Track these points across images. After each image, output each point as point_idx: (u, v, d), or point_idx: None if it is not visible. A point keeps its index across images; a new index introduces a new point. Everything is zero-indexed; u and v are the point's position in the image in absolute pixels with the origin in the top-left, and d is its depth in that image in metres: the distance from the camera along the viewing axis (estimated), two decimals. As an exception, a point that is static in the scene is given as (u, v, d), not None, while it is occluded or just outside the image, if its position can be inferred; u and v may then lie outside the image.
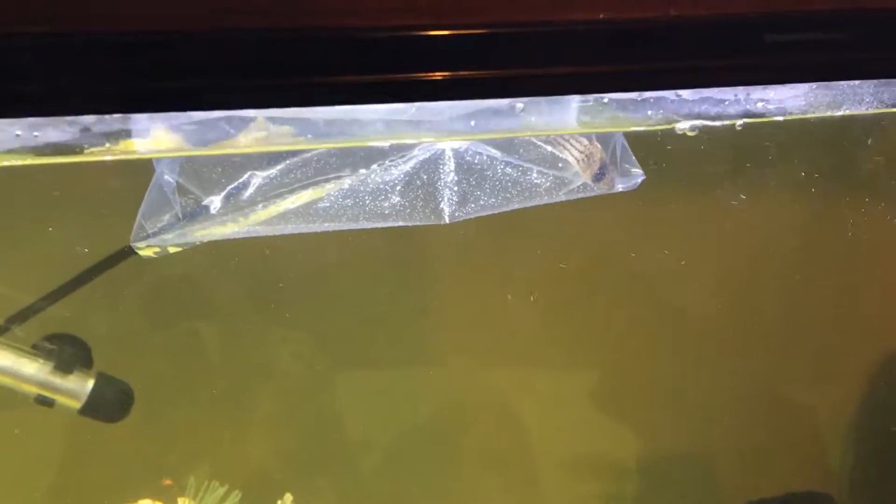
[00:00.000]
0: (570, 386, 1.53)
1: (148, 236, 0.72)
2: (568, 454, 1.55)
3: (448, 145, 0.69)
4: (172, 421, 1.41)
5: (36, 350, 1.12)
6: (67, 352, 1.15)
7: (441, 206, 0.70)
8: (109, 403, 1.16)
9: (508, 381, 1.53)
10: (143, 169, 0.76)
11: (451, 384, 1.55)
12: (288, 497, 1.19)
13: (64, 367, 1.11)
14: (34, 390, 1.11)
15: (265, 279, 1.40)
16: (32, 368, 1.11)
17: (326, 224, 0.71)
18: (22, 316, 1.16)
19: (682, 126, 0.63)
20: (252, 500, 1.40)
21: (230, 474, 1.43)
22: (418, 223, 0.71)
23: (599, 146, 0.70)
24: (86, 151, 0.58)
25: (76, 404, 1.13)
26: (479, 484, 1.56)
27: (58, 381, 1.12)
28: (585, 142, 0.69)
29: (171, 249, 0.75)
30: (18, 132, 0.53)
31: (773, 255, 1.44)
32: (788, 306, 1.48)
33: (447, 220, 0.70)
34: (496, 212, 0.71)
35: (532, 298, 1.41)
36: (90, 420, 1.17)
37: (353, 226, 0.70)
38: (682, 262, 1.40)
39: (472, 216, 0.71)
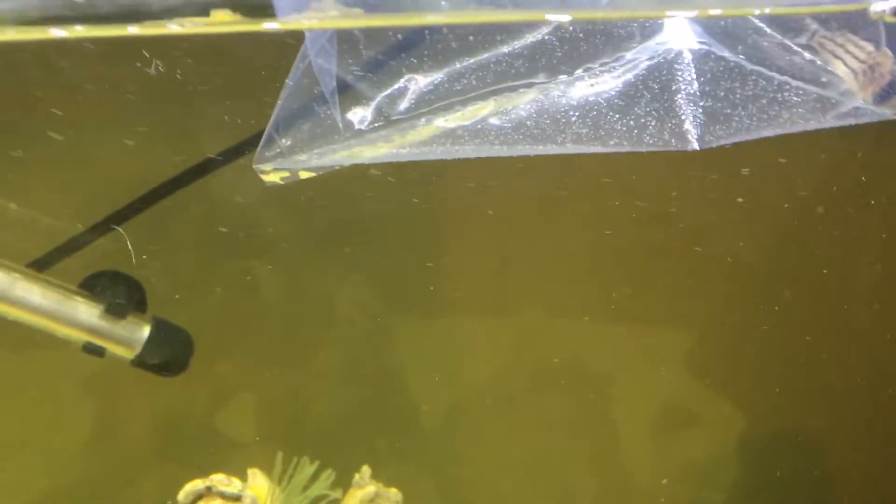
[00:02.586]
0: (664, 346, 1.37)
1: (278, 156, 0.55)
2: (656, 422, 1.40)
3: (686, 45, 0.52)
4: (226, 375, 1.26)
5: (83, 290, 0.94)
6: (120, 293, 0.97)
7: (685, 128, 0.53)
8: (167, 355, 1.00)
9: (591, 337, 1.38)
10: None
11: (527, 339, 1.40)
12: (366, 470, 1.04)
13: (116, 311, 0.94)
14: (82, 336, 0.95)
15: (326, 213, 1.23)
16: (80, 311, 0.94)
17: (518, 147, 0.54)
18: (68, 249, 0.99)
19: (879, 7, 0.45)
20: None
21: (285, 434, 1.30)
22: (654, 149, 0.54)
23: (891, 54, 0.53)
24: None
25: (129, 354, 0.97)
26: (551, 448, 1.42)
27: (109, 326, 0.95)
28: (870, 48, 0.52)
29: (303, 174, 0.58)
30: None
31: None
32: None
33: (696, 146, 0.53)
34: (753, 137, 0.54)
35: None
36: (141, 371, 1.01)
37: (553, 150, 0.53)
38: (819, 209, 1.23)
39: (726, 142, 0.54)
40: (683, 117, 0.53)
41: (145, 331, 0.97)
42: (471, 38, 0.50)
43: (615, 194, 1.25)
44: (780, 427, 1.39)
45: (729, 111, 0.54)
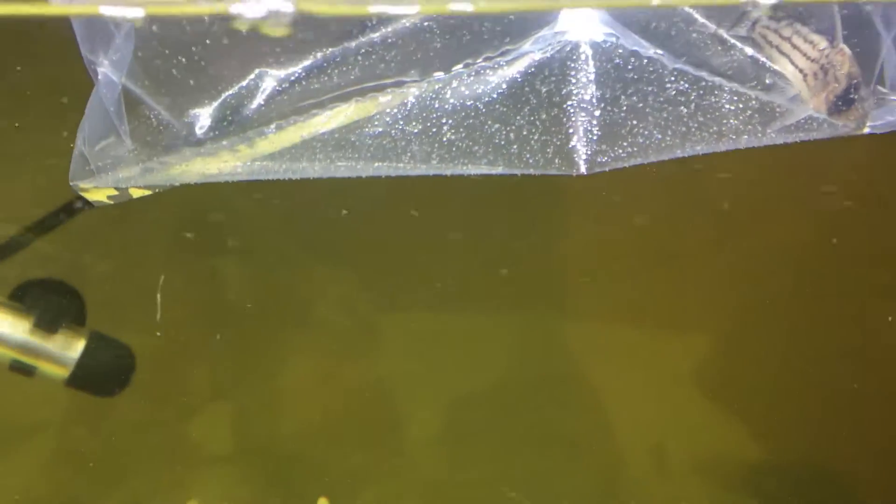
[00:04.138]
0: (675, 359, 1.27)
1: (94, 173, 0.46)
2: (662, 443, 1.30)
3: (583, 36, 0.41)
4: (186, 388, 1.19)
5: (13, 301, 0.89)
6: (53, 303, 0.90)
7: (573, 145, 0.41)
8: (103, 373, 0.93)
9: (595, 344, 1.28)
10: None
11: (525, 346, 1.31)
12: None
13: (47, 325, 0.89)
14: (9, 354, 0.89)
15: (304, 204, 1.14)
16: (7, 325, 0.88)
17: (376, 163, 0.44)
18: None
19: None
20: (278, 487, 1.19)
21: (255, 454, 1.22)
22: (533, 171, 0.43)
23: (849, 52, 0.41)
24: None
25: (62, 373, 0.91)
26: (552, 470, 1.33)
27: (39, 342, 0.90)
28: (823, 44, 0.40)
29: (135, 193, 0.49)
30: None
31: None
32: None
33: (583, 169, 0.42)
34: (664, 157, 0.43)
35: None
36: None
37: (420, 170, 0.43)
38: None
39: (625, 164, 0.43)
40: (571, 131, 0.42)
41: (79, 346, 0.91)
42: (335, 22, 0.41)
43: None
44: (799, 457, 1.27)
45: (635, 123, 0.42)
